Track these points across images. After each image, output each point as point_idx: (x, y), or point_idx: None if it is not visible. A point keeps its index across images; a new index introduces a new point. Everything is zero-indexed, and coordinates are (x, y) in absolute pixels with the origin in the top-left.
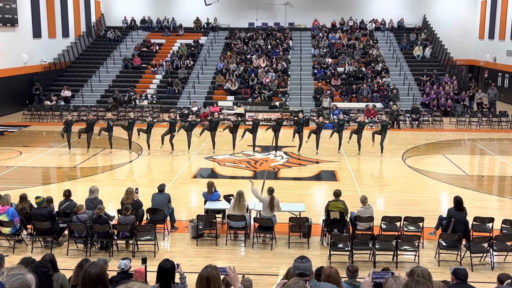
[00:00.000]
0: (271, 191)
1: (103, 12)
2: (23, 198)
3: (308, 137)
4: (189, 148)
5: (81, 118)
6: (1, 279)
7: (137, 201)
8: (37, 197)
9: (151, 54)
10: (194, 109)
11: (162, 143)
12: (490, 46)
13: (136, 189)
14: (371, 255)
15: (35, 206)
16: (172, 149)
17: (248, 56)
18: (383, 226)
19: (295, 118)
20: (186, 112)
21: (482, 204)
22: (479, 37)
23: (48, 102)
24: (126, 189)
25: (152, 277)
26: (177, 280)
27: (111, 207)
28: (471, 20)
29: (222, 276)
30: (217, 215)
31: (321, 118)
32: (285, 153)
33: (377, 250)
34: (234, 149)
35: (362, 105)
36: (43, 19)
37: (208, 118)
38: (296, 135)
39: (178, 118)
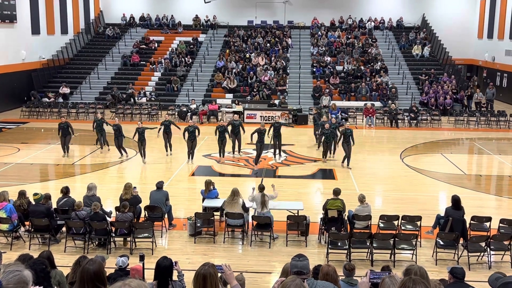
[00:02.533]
0: (261, 188)
1: (102, 9)
2: (22, 194)
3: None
4: (191, 156)
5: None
6: None
7: (135, 196)
8: (35, 194)
9: (150, 52)
10: (193, 106)
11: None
12: (488, 45)
13: (134, 187)
14: (368, 253)
15: (33, 202)
16: (171, 148)
17: (247, 54)
18: (381, 225)
19: (322, 130)
20: (185, 109)
21: (480, 203)
22: (478, 37)
23: (47, 100)
24: (125, 184)
25: (150, 275)
26: (175, 277)
27: (109, 204)
28: (470, 19)
29: (219, 274)
30: (215, 213)
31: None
32: (284, 151)
33: (375, 248)
34: (239, 151)
35: (360, 103)
36: (42, 16)
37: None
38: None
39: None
